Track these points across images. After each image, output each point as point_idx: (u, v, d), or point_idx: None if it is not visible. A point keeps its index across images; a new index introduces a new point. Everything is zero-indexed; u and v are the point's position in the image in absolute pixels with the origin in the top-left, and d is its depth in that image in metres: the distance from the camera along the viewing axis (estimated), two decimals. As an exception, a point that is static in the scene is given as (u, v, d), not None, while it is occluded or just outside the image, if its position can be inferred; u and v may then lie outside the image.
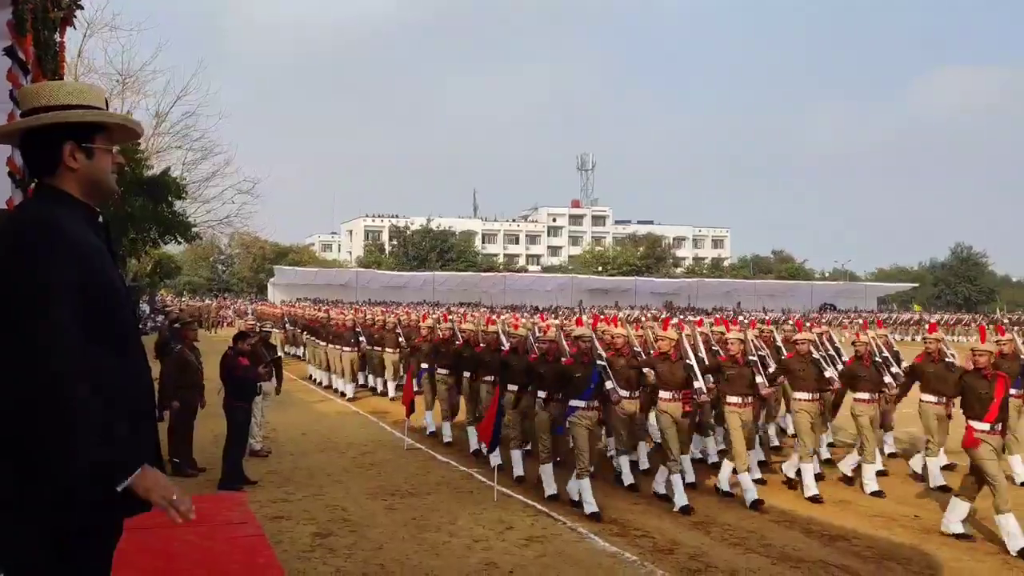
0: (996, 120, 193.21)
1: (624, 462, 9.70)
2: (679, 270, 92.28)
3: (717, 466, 9.98)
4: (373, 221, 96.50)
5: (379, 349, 17.80)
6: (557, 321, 15.22)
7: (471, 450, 11.28)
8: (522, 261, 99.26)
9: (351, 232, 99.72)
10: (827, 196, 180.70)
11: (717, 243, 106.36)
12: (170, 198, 15.00)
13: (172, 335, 12.96)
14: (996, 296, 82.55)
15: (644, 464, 10.44)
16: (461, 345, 12.20)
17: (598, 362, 8.80)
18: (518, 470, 9.96)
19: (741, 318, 25.29)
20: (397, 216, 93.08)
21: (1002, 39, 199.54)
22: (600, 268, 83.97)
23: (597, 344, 9.48)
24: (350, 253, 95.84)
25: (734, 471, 9.02)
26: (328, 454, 11.40)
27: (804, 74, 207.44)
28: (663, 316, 25.52)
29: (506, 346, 11.13)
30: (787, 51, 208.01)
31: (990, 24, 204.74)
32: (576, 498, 8.51)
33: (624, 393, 9.15)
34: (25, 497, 2.30)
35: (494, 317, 15.62)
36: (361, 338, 17.46)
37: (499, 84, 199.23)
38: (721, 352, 10.13)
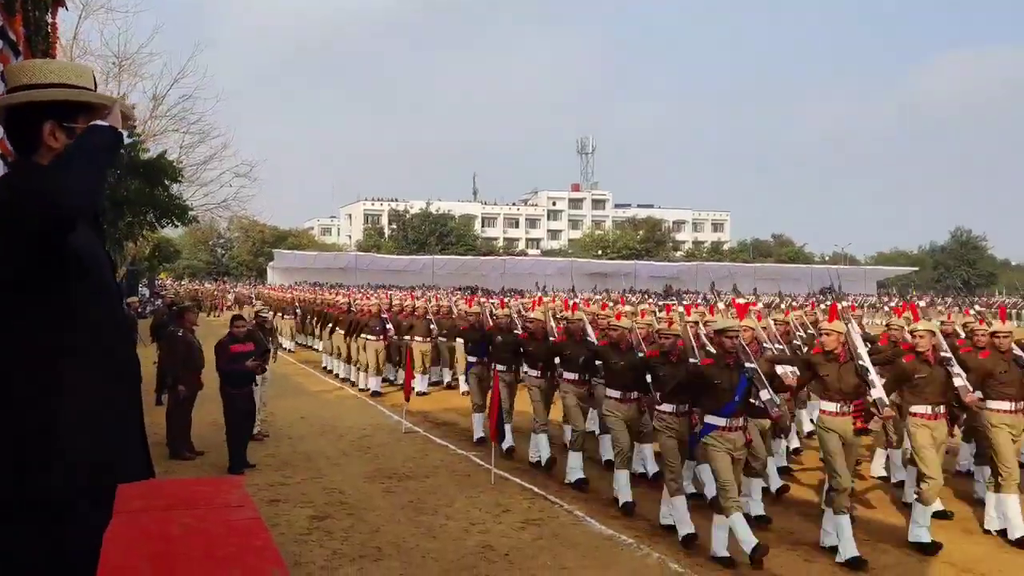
0: (995, 104, 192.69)
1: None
2: (679, 254, 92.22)
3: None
4: (372, 205, 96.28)
5: (407, 338, 15.90)
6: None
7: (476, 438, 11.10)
8: (522, 245, 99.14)
9: (350, 216, 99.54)
10: (827, 179, 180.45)
11: (717, 227, 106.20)
12: (167, 181, 14.92)
13: (171, 318, 12.95)
14: (996, 279, 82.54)
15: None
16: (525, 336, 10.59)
17: (747, 364, 6.64)
18: (546, 452, 9.51)
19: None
20: (396, 200, 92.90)
21: (1004, 21, 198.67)
22: (600, 252, 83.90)
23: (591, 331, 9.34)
24: (349, 237, 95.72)
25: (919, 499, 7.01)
26: (326, 438, 11.41)
27: (806, 57, 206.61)
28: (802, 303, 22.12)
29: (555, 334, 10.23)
30: (789, 34, 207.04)
31: (992, 6, 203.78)
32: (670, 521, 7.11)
33: (616, 394, 8.16)
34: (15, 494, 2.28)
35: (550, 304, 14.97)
36: (388, 326, 15.71)
37: (499, 68, 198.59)
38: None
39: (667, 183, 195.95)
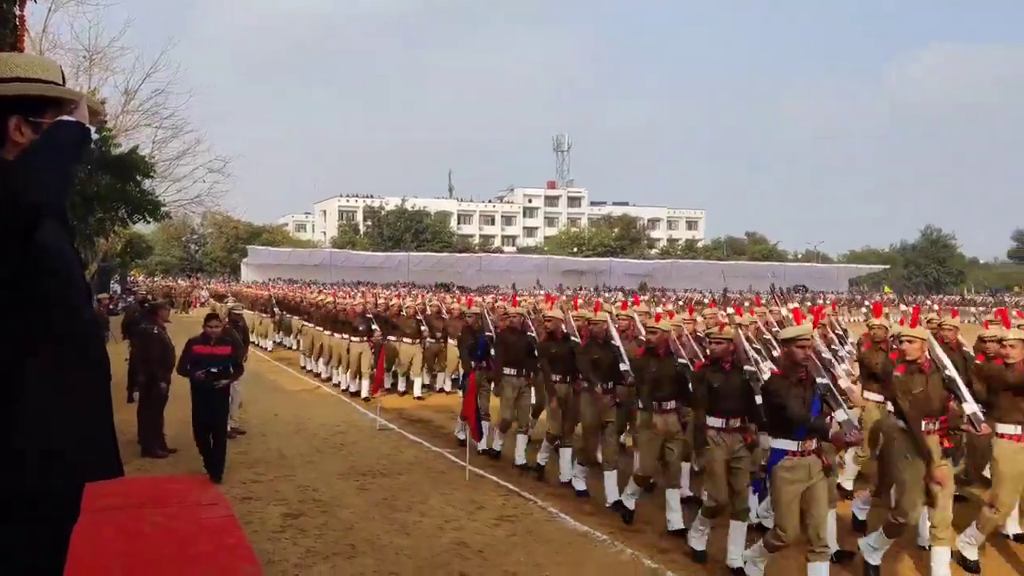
0: (967, 105, 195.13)
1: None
2: (653, 251, 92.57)
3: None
4: (347, 201, 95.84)
5: (391, 339, 15.01)
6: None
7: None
8: (498, 242, 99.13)
9: (325, 212, 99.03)
10: (800, 178, 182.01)
11: (691, 224, 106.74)
12: (138, 176, 14.72)
13: (143, 315, 12.82)
14: (964, 277, 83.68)
15: None
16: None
17: (819, 380, 5.68)
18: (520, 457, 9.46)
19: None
20: (372, 196, 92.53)
21: (975, 22, 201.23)
22: (575, 249, 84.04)
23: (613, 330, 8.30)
24: (324, 234, 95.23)
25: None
26: (299, 435, 11.36)
27: (786, 56, 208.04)
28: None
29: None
30: (769, 33, 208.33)
31: (962, 8, 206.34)
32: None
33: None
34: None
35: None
36: (374, 327, 14.71)
37: (476, 65, 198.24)
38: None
39: (642, 181, 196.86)
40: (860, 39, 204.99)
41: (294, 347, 22.49)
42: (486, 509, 7.72)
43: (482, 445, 9.95)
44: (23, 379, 2.28)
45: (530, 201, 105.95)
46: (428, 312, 16.04)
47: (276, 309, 23.74)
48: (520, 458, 9.51)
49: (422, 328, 14.78)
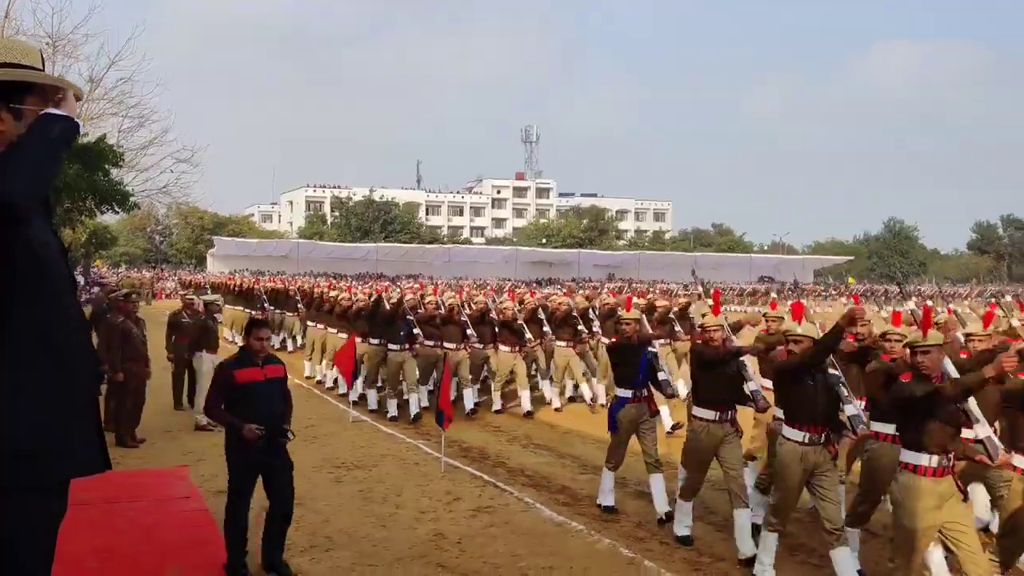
0: (927, 97, 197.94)
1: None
2: (621, 243, 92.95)
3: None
4: (314, 191, 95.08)
5: (428, 344, 12.49)
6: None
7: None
8: (466, 233, 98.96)
9: (291, 203, 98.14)
10: (766, 170, 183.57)
11: (659, 216, 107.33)
12: (107, 166, 14.43)
13: (109, 307, 12.62)
14: (926, 269, 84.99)
15: None
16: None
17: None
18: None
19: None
20: (339, 187, 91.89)
21: (935, 13, 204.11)
22: (544, 240, 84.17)
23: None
24: (291, 224, 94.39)
25: None
26: (272, 427, 11.26)
27: (746, 48, 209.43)
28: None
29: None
30: (730, 24, 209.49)
31: (922, 3, 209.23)
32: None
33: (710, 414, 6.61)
34: None
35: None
36: (416, 331, 12.23)
37: (444, 55, 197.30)
38: None
39: (610, 172, 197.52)
40: (824, 30, 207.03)
41: (290, 348, 20.31)
42: (462, 500, 7.73)
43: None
44: None
45: (499, 192, 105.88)
46: (471, 311, 13.03)
47: (267, 305, 20.14)
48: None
49: (467, 332, 12.26)
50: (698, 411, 6.65)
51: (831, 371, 5.71)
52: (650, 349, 7.55)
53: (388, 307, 12.49)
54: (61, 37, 19.87)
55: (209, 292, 21.95)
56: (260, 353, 5.75)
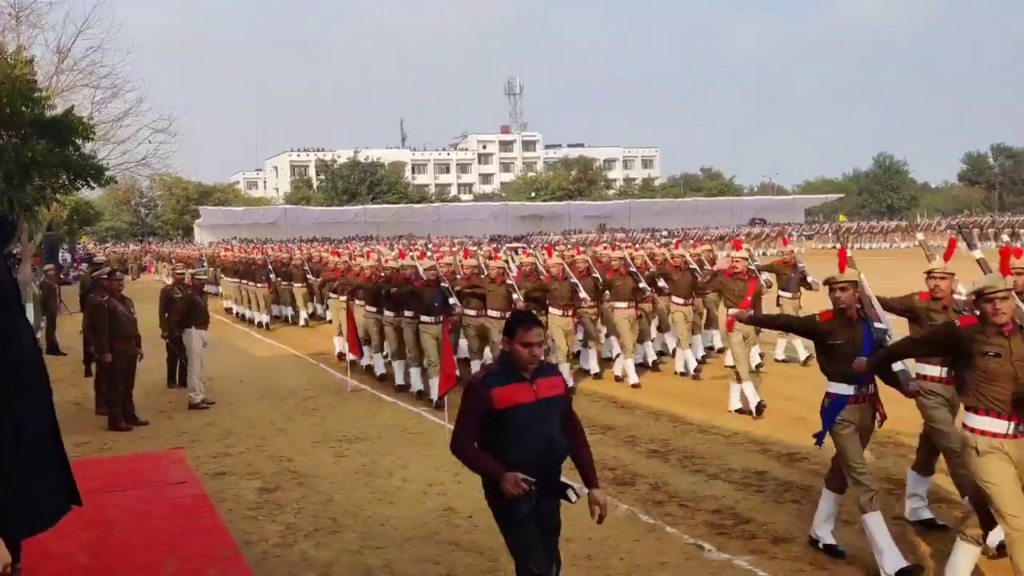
0: (915, 28, 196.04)
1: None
2: (611, 192, 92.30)
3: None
4: (298, 156, 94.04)
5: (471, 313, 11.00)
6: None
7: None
8: (454, 190, 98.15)
9: (276, 168, 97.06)
10: (753, 110, 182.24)
11: (647, 163, 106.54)
12: (77, 140, 13.85)
13: (93, 286, 12.22)
14: (917, 203, 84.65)
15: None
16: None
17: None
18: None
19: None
20: (323, 150, 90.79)
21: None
22: (533, 194, 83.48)
23: None
24: (276, 190, 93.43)
25: None
26: (268, 401, 10.98)
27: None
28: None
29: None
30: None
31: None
32: None
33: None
34: None
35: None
36: (452, 300, 10.22)
37: (419, 6, 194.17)
38: None
39: (596, 121, 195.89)
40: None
41: (301, 322, 18.99)
42: (470, 471, 7.40)
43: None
44: None
45: (484, 147, 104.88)
46: (520, 272, 11.70)
47: (310, 278, 18.16)
48: None
49: (513, 296, 10.51)
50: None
51: (877, 325, 5.33)
52: (877, 325, 5.36)
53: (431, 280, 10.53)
54: (24, 7, 19.09)
55: (205, 265, 21.18)
56: (530, 364, 3.85)
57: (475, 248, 21.57)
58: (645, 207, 76.05)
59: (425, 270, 10.76)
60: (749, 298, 9.44)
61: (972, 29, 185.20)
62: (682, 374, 11.51)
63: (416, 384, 10.88)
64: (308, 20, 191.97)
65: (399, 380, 11.34)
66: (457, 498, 6.65)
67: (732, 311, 8.80)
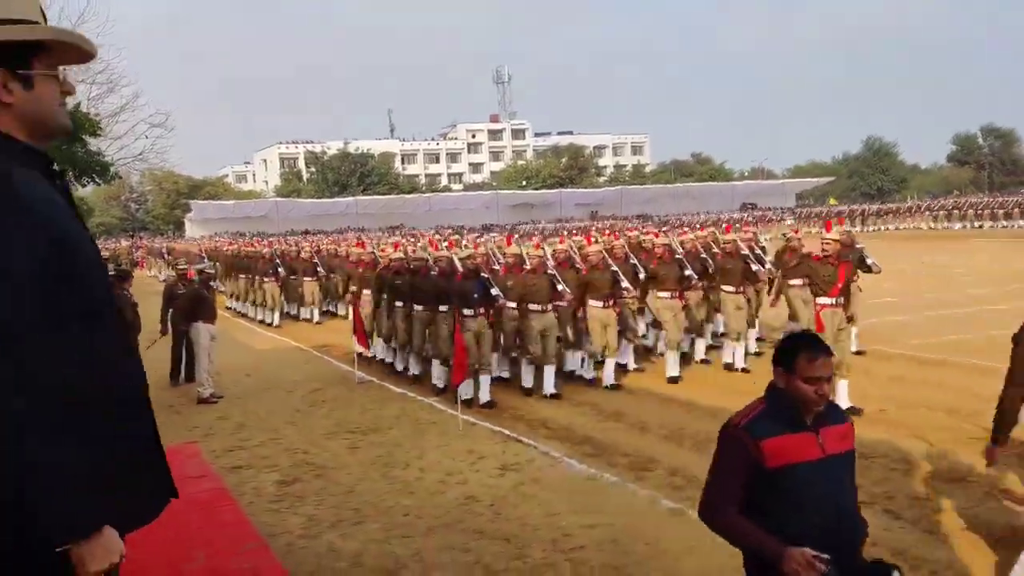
0: (902, 11, 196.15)
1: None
2: (602, 179, 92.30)
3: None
4: (287, 148, 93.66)
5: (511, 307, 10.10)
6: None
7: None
8: (444, 180, 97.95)
9: (266, 161, 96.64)
10: (742, 95, 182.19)
11: (636, 149, 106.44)
12: (84, 136, 13.72)
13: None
14: (907, 184, 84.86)
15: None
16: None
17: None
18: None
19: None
20: (312, 142, 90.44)
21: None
22: (524, 183, 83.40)
23: None
24: (266, 183, 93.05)
25: None
26: (276, 394, 10.99)
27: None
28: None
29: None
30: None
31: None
32: None
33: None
34: None
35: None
36: (495, 291, 9.70)
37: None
38: None
39: (585, 109, 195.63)
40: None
41: (316, 319, 18.39)
42: (487, 459, 7.47)
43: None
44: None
45: (474, 136, 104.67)
46: (559, 261, 10.63)
47: (280, 270, 18.28)
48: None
49: (557, 286, 9.95)
50: None
51: None
52: None
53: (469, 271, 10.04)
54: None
55: (206, 260, 20.95)
56: (816, 406, 3.00)
57: (460, 238, 20.85)
58: (636, 193, 76.11)
59: (462, 259, 10.25)
60: (840, 285, 8.56)
61: (959, 11, 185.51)
62: (728, 366, 10.76)
63: (440, 379, 10.41)
64: (294, 11, 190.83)
65: (413, 371, 11.34)
66: (477, 487, 6.69)
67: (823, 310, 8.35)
